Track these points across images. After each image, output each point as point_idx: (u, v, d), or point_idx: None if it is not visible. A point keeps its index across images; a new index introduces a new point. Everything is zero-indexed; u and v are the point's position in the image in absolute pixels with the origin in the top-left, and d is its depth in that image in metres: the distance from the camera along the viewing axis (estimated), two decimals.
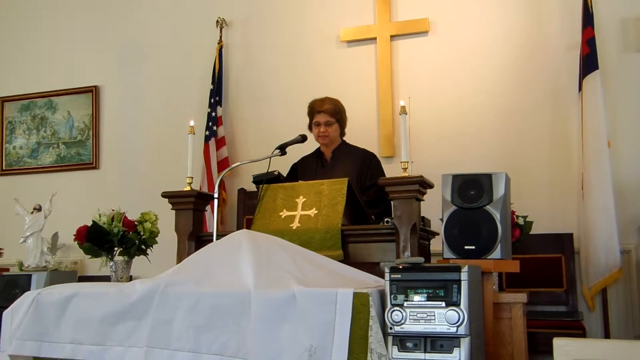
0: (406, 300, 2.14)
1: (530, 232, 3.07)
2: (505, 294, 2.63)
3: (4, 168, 5.73)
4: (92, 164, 5.43)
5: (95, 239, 3.24)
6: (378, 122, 4.67)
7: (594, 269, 3.87)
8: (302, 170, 3.79)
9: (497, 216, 2.56)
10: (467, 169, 2.91)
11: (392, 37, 4.70)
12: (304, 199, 3.14)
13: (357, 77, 4.76)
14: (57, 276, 4.37)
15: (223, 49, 5.07)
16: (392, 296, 2.15)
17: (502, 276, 3.75)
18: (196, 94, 5.14)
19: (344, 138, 3.88)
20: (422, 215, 3.08)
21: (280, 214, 3.15)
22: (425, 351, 2.10)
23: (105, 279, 3.49)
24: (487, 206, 2.57)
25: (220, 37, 5.08)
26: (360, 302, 2.12)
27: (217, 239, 2.98)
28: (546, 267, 4.03)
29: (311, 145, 3.80)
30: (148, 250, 3.39)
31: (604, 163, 3.90)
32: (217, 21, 5.10)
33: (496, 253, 2.56)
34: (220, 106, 4.96)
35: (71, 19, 5.66)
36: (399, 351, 2.12)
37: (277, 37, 5.03)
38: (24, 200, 4.67)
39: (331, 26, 4.87)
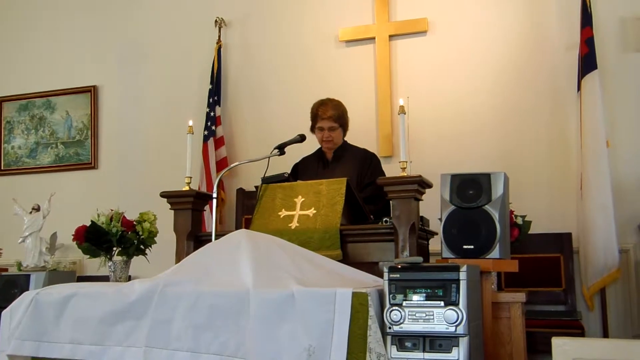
0: (405, 300, 2.14)
1: (529, 232, 3.07)
2: (504, 293, 2.63)
3: (2, 168, 5.73)
4: (90, 164, 5.42)
5: (93, 239, 3.24)
6: (377, 121, 4.67)
7: (592, 269, 3.88)
8: (304, 170, 3.79)
9: (495, 216, 2.56)
10: (465, 168, 2.92)
11: (391, 36, 4.70)
12: (303, 199, 3.14)
13: (356, 77, 4.76)
14: (56, 276, 4.37)
15: (222, 49, 5.07)
16: (390, 296, 2.16)
17: (500, 276, 3.75)
18: (195, 93, 5.14)
19: (345, 138, 3.87)
20: (420, 215, 3.08)
21: (279, 213, 3.15)
22: (424, 351, 2.11)
23: (104, 279, 3.49)
24: (486, 206, 2.58)
25: (219, 36, 5.08)
26: (359, 302, 2.12)
27: (215, 238, 2.98)
28: (545, 267, 4.03)
29: (310, 145, 3.79)
30: (147, 250, 3.39)
31: (603, 162, 3.90)
32: (216, 21, 5.09)
33: (495, 253, 2.56)
34: (219, 106, 4.96)
35: (70, 19, 5.66)
36: (397, 351, 2.13)
37: (276, 36, 5.03)
38: (23, 200, 4.66)
39: (330, 26, 4.87)
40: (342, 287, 2.19)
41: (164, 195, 3.43)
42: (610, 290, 4.03)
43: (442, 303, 2.10)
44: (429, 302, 2.11)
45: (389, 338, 2.14)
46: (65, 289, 2.63)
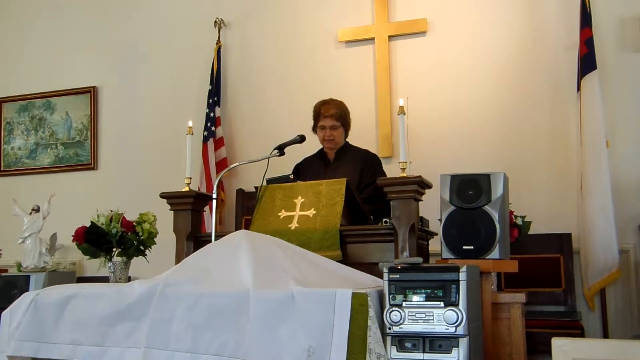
0: (405, 301, 2.14)
1: (529, 232, 3.08)
2: (503, 294, 2.63)
3: (2, 169, 5.73)
4: (90, 165, 5.43)
5: (93, 239, 3.24)
6: (376, 122, 4.67)
7: (593, 269, 3.88)
8: (305, 171, 3.78)
9: (495, 216, 2.56)
10: (465, 169, 2.92)
11: (390, 37, 4.71)
12: (303, 200, 3.14)
13: (356, 78, 4.76)
14: (56, 277, 4.37)
15: (221, 50, 5.07)
16: (390, 296, 2.16)
17: (500, 276, 3.75)
18: (194, 94, 5.14)
19: (347, 139, 3.87)
20: (420, 215, 3.08)
21: (279, 214, 3.15)
22: (423, 351, 2.10)
23: (104, 279, 3.49)
24: (486, 206, 2.58)
25: (219, 37, 5.08)
26: (358, 303, 2.12)
27: (215, 239, 2.98)
28: (545, 267, 4.03)
29: (310, 145, 3.79)
30: (146, 251, 3.39)
31: (603, 163, 3.90)
32: (215, 22, 5.10)
33: (495, 253, 2.56)
34: (219, 106, 4.96)
35: (70, 19, 5.66)
36: (397, 351, 2.13)
37: (276, 37, 5.03)
38: (23, 201, 4.66)
39: (329, 26, 4.87)
40: (341, 287, 2.19)
41: (163, 196, 3.43)
42: (610, 291, 4.03)
43: (442, 304, 2.10)
44: (428, 302, 2.11)
45: (388, 339, 2.14)
46: (65, 289, 2.63)
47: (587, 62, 4.04)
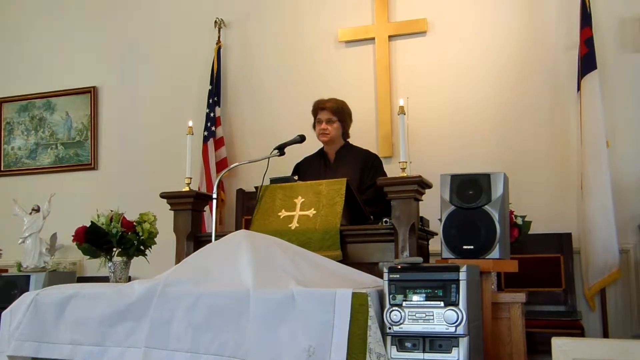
0: (405, 300, 2.14)
1: (529, 232, 3.08)
2: (504, 293, 2.63)
3: (2, 169, 5.73)
4: (90, 165, 5.43)
5: (93, 239, 3.24)
6: (376, 122, 4.67)
7: (593, 269, 3.88)
8: (305, 170, 3.78)
9: (495, 216, 2.56)
10: (465, 169, 2.91)
11: (391, 37, 4.71)
12: (303, 199, 3.14)
13: (356, 78, 4.76)
14: (56, 277, 4.37)
15: (221, 50, 5.07)
16: (390, 296, 2.16)
17: (500, 276, 3.75)
18: (194, 94, 5.14)
19: (349, 140, 3.86)
20: (420, 215, 3.08)
21: (279, 214, 3.15)
22: (424, 351, 2.11)
23: (104, 279, 3.49)
24: (486, 206, 2.58)
25: (219, 37, 5.08)
26: (358, 302, 2.12)
27: (215, 239, 2.98)
28: (545, 267, 4.03)
29: (310, 145, 3.79)
30: (147, 251, 3.39)
31: (603, 162, 3.90)
32: (216, 22, 5.10)
33: (495, 253, 2.56)
34: (219, 106, 4.96)
35: (70, 19, 5.66)
36: (397, 351, 2.13)
37: (276, 37, 5.03)
38: (23, 201, 4.66)
39: (329, 26, 4.87)
40: (342, 287, 2.19)
41: (163, 195, 3.43)
42: (610, 290, 4.03)
43: (442, 303, 2.10)
44: (428, 302, 2.12)
45: (388, 338, 2.14)
46: (65, 289, 2.63)
47: (587, 62, 4.04)
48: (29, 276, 4.35)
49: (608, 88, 4.14)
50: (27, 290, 3.91)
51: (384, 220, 3.03)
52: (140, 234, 3.29)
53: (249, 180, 4.49)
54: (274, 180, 3.34)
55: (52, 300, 2.58)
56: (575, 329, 3.65)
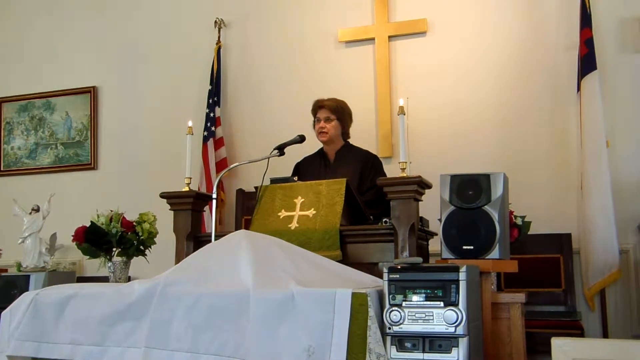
0: (404, 301, 2.14)
1: (529, 232, 3.08)
2: (503, 294, 2.63)
3: (2, 169, 5.73)
4: (90, 165, 5.43)
5: (93, 239, 3.24)
6: (376, 122, 4.67)
7: (593, 269, 3.87)
8: (305, 170, 3.77)
9: (495, 216, 2.56)
10: (465, 169, 2.92)
11: (390, 37, 4.71)
12: (303, 200, 3.14)
13: (356, 78, 4.76)
14: (56, 277, 4.37)
15: (221, 50, 5.07)
16: (390, 296, 2.16)
17: (500, 276, 3.75)
18: (194, 94, 5.14)
19: (349, 140, 3.86)
20: (420, 215, 3.08)
21: (279, 214, 3.15)
22: (423, 351, 2.10)
23: (104, 279, 3.49)
24: (486, 206, 2.58)
25: (219, 37, 5.08)
26: (358, 302, 2.12)
27: (215, 239, 2.98)
28: (545, 267, 4.03)
29: (310, 146, 3.79)
30: (146, 251, 3.39)
31: (603, 163, 3.90)
32: (215, 22, 5.10)
33: (494, 253, 2.56)
34: (219, 107, 4.96)
35: (70, 19, 5.66)
36: (397, 351, 2.13)
37: (276, 37, 5.03)
38: (22, 201, 4.66)
39: (329, 26, 4.87)
40: (341, 287, 2.19)
41: (163, 195, 3.43)
42: (610, 291, 4.03)
43: (441, 303, 2.10)
44: (428, 302, 2.11)
45: (388, 338, 2.14)
46: (65, 289, 2.63)
47: (587, 62, 4.05)
48: (28, 276, 4.35)
49: (608, 88, 4.14)
50: (26, 290, 3.91)
51: (384, 220, 3.03)
52: (140, 234, 3.29)
53: (248, 180, 4.49)
54: (273, 181, 3.34)
55: (51, 300, 2.57)
56: (575, 329, 3.65)
